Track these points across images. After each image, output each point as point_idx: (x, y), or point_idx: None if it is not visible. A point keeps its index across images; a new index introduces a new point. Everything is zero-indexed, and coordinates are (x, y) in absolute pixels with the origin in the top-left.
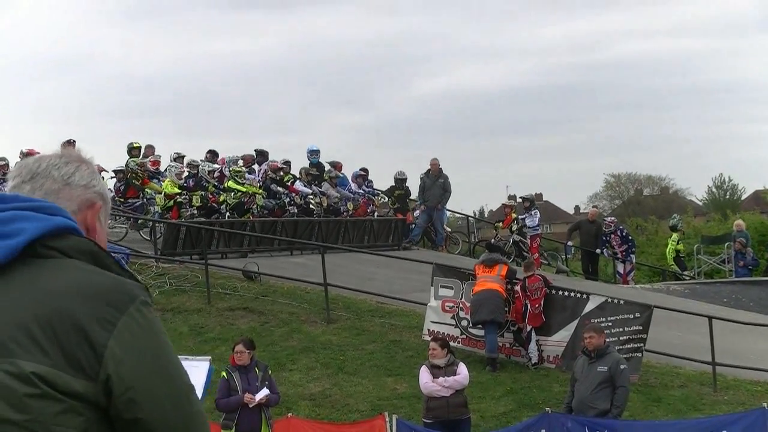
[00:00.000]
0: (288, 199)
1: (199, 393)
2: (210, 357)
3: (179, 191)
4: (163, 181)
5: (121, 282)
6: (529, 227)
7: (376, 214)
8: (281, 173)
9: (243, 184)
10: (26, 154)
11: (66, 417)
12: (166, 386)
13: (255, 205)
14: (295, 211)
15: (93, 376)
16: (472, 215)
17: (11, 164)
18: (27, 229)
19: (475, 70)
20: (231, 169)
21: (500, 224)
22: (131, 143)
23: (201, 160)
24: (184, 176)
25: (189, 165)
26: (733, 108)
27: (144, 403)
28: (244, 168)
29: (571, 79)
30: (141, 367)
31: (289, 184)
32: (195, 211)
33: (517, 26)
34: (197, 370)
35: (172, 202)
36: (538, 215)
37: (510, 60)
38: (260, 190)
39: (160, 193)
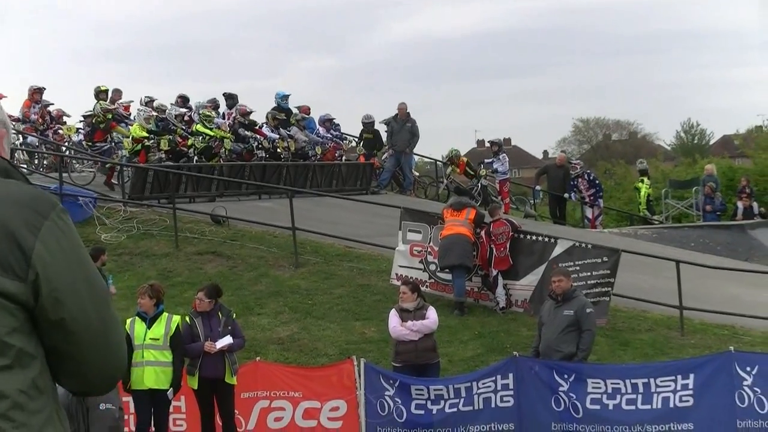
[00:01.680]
0: (256, 143)
1: None
2: None
3: (147, 135)
4: (131, 126)
5: (41, 192)
6: (498, 172)
7: (344, 158)
8: (250, 117)
9: (211, 129)
10: None
11: (0, 315)
12: (87, 288)
13: (223, 150)
14: (263, 155)
15: (23, 276)
16: (441, 160)
17: None
18: None
19: (446, 13)
20: (200, 113)
21: (456, 169)
22: (98, 87)
23: (171, 104)
24: (152, 120)
25: (157, 109)
26: (706, 55)
27: (68, 303)
28: (212, 112)
29: (544, 23)
30: (65, 268)
31: (257, 128)
32: (163, 155)
33: None
34: None
35: (140, 146)
36: (507, 160)
37: (483, 2)
38: (228, 134)
39: (128, 137)
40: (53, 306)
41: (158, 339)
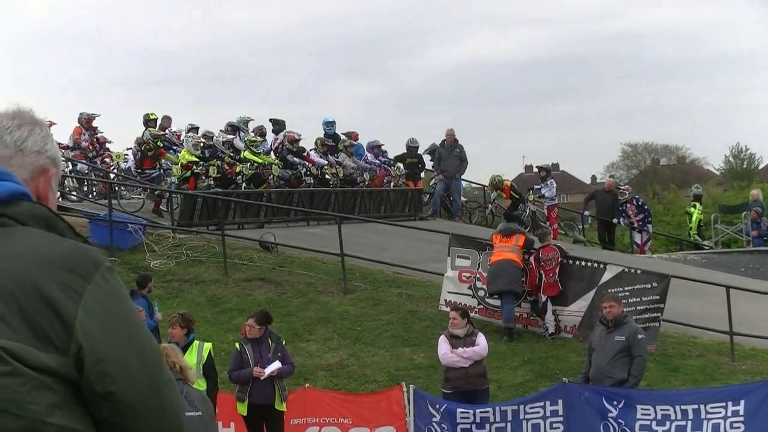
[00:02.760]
0: (304, 170)
1: None
2: None
3: (196, 160)
4: (180, 153)
5: (83, 248)
6: (545, 197)
7: (392, 184)
8: (298, 144)
9: (259, 155)
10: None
11: (38, 393)
12: (137, 356)
13: (271, 176)
14: (312, 181)
15: (63, 349)
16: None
17: None
18: None
19: (491, 39)
20: (246, 138)
21: (501, 194)
22: (148, 114)
23: (219, 131)
24: (200, 146)
25: (204, 136)
26: (752, 77)
27: (116, 374)
28: (259, 139)
29: (588, 48)
30: (112, 337)
31: (305, 154)
32: (212, 182)
33: None
34: None
35: (189, 172)
36: (555, 185)
37: (526, 29)
38: (276, 161)
39: (177, 164)
40: (100, 379)
41: (191, 369)
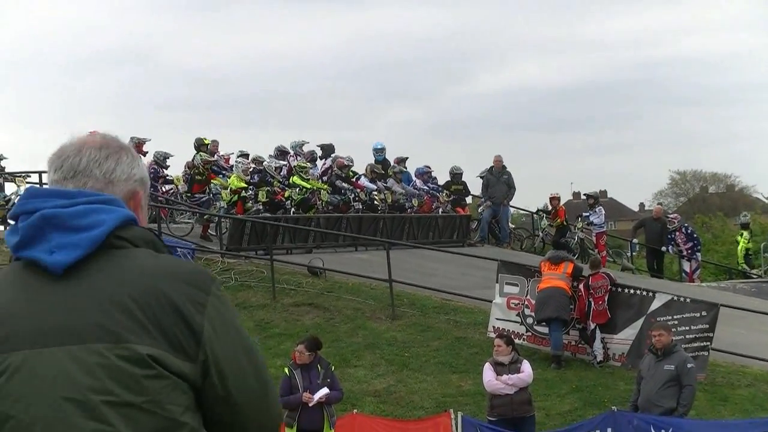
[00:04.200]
0: (353, 195)
1: None
2: None
3: (245, 186)
4: (229, 177)
5: (197, 265)
6: (594, 224)
7: (440, 210)
8: (347, 170)
9: (307, 180)
10: None
11: (176, 394)
12: (248, 359)
13: (320, 201)
14: (360, 207)
15: (193, 356)
16: (536, 212)
17: None
18: (105, 221)
19: (538, 65)
20: (295, 164)
21: (557, 219)
22: (201, 138)
23: (269, 156)
24: (249, 172)
25: (254, 161)
26: None
27: (233, 378)
28: (308, 164)
29: (635, 74)
30: (229, 344)
31: (354, 180)
32: (260, 207)
33: (580, 20)
34: None
35: (237, 197)
36: (603, 212)
37: (573, 55)
38: (325, 186)
39: (226, 189)
40: (221, 382)
41: None
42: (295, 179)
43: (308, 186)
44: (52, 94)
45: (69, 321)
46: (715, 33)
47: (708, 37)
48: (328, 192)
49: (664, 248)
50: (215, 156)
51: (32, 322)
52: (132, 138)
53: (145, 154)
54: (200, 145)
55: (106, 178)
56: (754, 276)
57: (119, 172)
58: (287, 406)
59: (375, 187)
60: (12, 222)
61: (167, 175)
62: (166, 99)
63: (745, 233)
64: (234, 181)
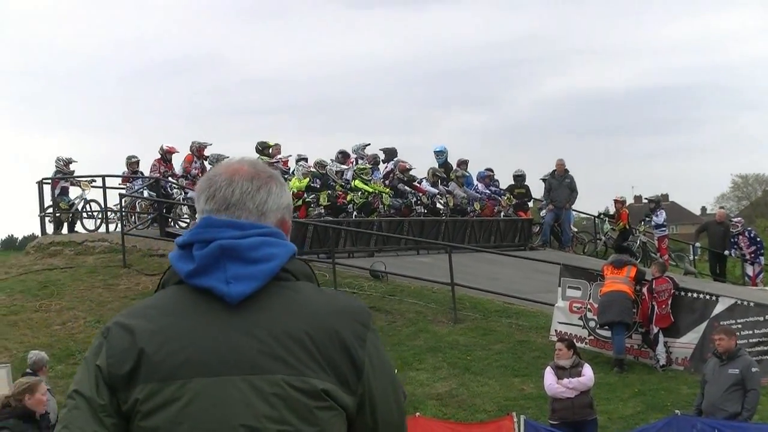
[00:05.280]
0: (415, 199)
1: None
2: None
3: (306, 189)
4: (290, 180)
5: (358, 301)
6: (655, 227)
7: (502, 214)
8: (409, 173)
9: (368, 183)
10: (166, 152)
11: (339, 424)
12: (395, 394)
13: (382, 205)
14: (422, 210)
15: (354, 390)
16: (597, 215)
17: (141, 161)
18: (278, 255)
19: (599, 69)
20: (356, 168)
21: (620, 222)
22: (264, 142)
23: (330, 160)
24: (309, 176)
25: (317, 164)
26: None
27: (382, 411)
28: (369, 166)
29: (697, 78)
30: (382, 379)
31: (416, 183)
32: (322, 210)
33: (642, 24)
34: None
35: (300, 201)
36: (664, 215)
37: (637, 59)
38: (387, 190)
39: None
40: (372, 414)
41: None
42: (357, 183)
43: (370, 189)
44: (117, 102)
45: (248, 351)
46: None
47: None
48: (390, 195)
49: (726, 252)
50: (275, 159)
51: (212, 350)
52: (193, 142)
53: (206, 158)
54: (264, 149)
55: (259, 210)
56: None
57: (271, 203)
58: None
59: (437, 191)
60: (180, 248)
61: None
62: (230, 105)
63: None
64: (295, 184)
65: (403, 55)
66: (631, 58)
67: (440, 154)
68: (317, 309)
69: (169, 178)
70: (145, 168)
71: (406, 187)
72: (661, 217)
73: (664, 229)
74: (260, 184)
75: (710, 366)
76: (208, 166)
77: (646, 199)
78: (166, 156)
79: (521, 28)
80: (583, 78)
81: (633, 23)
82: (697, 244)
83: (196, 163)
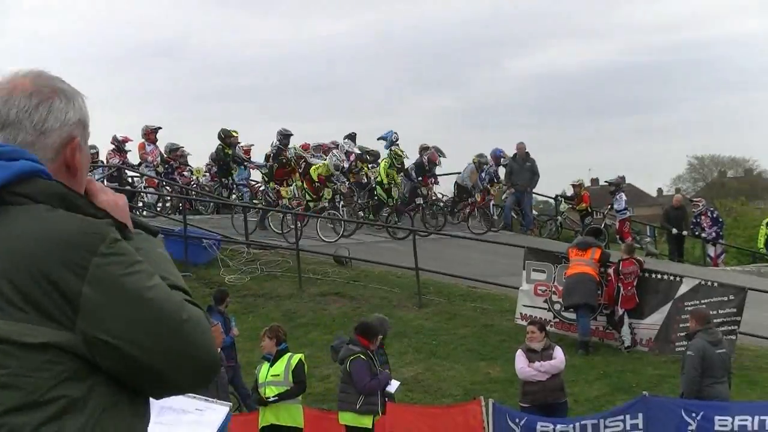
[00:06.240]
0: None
1: None
2: (230, 403)
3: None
4: (251, 168)
5: (89, 222)
6: (616, 211)
7: (492, 202)
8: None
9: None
10: (121, 141)
11: (45, 367)
12: (150, 314)
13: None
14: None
15: (68, 325)
16: (555, 197)
17: (101, 152)
18: None
19: (562, 50)
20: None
21: (581, 204)
22: (227, 130)
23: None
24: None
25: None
26: None
27: (131, 345)
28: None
29: (659, 58)
30: (123, 308)
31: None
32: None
33: (605, 5)
34: (213, 413)
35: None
36: (624, 198)
37: (600, 39)
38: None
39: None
40: (114, 352)
41: (279, 375)
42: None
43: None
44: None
45: None
46: (740, 16)
47: (730, 21)
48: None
49: (685, 232)
50: (236, 148)
51: None
52: (144, 127)
53: (155, 141)
54: (227, 136)
55: (37, 130)
56: None
57: (52, 121)
58: (376, 389)
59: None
60: None
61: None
62: (198, 90)
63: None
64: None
65: (368, 38)
66: (591, 38)
67: (385, 139)
68: (20, 238)
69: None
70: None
71: (418, 178)
72: (621, 201)
73: (625, 212)
74: (40, 99)
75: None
76: (162, 149)
77: (605, 182)
78: (120, 145)
79: (485, 7)
80: (546, 58)
81: (597, 3)
82: (653, 225)
83: (148, 147)
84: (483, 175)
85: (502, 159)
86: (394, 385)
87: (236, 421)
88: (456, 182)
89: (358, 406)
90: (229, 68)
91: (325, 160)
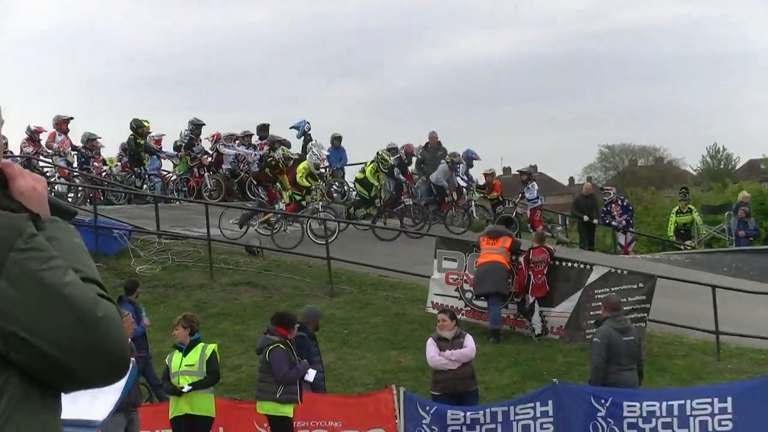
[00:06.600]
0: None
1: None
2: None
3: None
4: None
5: (5, 216)
6: (528, 200)
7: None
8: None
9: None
10: (34, 131)
11: None
12: (65, 311)
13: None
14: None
15: None
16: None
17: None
18: None
19: (477, 40)
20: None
21: (492, 193)
22: (138, 120)
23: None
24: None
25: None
26: (732, 78)
27: (45, 340)
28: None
29: (570, 48)
30: (39, 304)
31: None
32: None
33: None
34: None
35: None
36: (536, 187)
37: (512, 29)
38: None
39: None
40: (28, 348)
41: (193, 365)
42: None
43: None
44: None
45: None
46: (652, 5)
47: (645, 10)
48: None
49: (595, 220)
50: (148, 138)
51: None
52: (55, 117)
53: (66, 132)
54: (138, 127)
55: None
56: (685, 248)
57: None
58: (295, 379)
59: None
60: None
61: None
62: (95, 80)
63: (675, 208)
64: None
65: (280, 28)
66: (503, 27)
67: (297, 129)
68: None
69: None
70: (13, 149)
71: (401, 176)
72: (533, 190)
73: (536, 201)
74: None
75: None
76: (73, 139)
77: (517, 171)
78: (33, 136)
79: None
80: (460, 48)
81: None
82: (564, 214)
83: (59, 137)
84: (458, 174)
85: (474, 160)
86: (311, 375)
87: (147, 412)
88: (431, 182)
89: (278, 396)
90: (140, 58)
91: (238, 149)
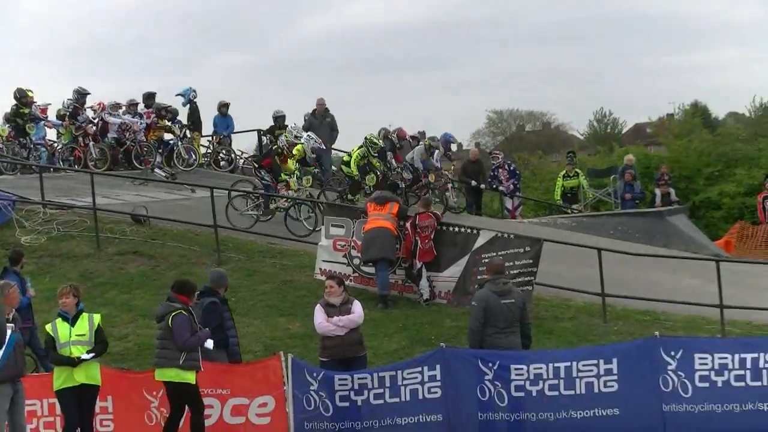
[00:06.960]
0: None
1: None
2: (12, 326)
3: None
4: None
5: None
6: (436, 169)
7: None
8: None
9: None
10: None
11: None
12: None
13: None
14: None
15: None
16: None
17: None
18: None
19: (361, 7)
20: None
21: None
22: (23, 90)
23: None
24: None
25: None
26: (622, 42)
27: None
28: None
29: (458, 13)
30: None
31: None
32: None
33: None
34: None
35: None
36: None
37: None
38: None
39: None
40: None
41: (84, 335)
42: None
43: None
44: None
45: None
46: None
47: None
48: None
49: (482, 185)
50: (33, 107)
51: None
52: None
53: None
54: (22, 96)
55: None
56: (572, 211)
57: None
58: (196, 346)
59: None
60: None
61: None
62: None
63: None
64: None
65: None
66: None
67: (183, 96)
68: None
69: None
70: None
71: (392, 160)
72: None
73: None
74: None
75: None
76: None
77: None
78: None
79: None
80: (347, 14)
81: None
82: (453, 178)
83: None
84: (435, 157)
85: (451, 144)
86: (209, 343)
87: (34, 383)
88: (407, 163)
89: (181, 362)
90: (21, 28)
91: (123, 118)
